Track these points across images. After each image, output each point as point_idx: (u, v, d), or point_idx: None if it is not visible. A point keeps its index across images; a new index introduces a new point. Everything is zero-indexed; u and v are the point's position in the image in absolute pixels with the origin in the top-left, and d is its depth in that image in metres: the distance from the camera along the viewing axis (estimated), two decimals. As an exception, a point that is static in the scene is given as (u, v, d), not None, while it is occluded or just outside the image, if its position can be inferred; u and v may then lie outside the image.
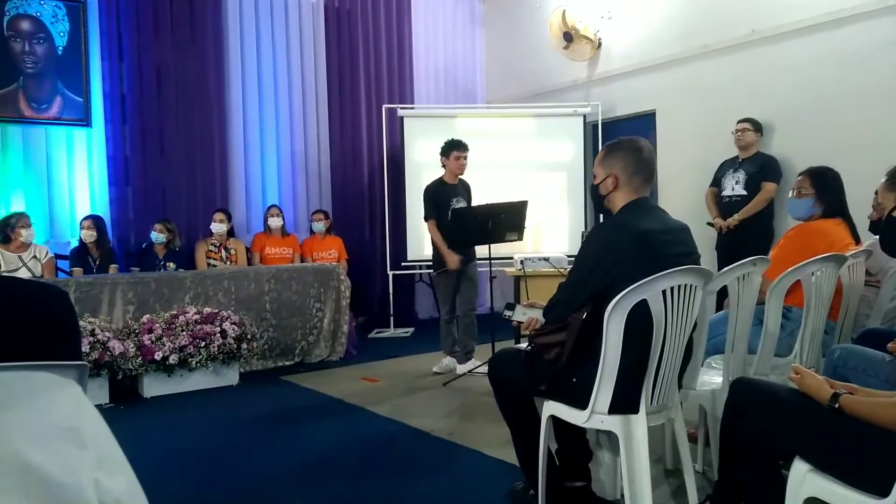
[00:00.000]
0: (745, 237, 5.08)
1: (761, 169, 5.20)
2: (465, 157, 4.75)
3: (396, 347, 5.92)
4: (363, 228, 7.24)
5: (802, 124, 5.26)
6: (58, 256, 5.33)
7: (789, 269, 2.57)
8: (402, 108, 7.00)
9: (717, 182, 5.48)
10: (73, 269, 5.19)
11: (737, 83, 5.70)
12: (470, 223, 4.43)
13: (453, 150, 4.75)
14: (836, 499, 1.59)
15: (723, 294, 2.63)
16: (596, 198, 2.36)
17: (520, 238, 4.53)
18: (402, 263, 6.83)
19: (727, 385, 2.25)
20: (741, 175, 5.28)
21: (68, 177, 5.90)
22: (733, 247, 5.02)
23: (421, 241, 6.68)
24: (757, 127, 5.31)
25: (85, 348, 3.98)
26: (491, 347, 4.56)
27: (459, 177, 4.86)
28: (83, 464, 0.59)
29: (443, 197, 4.75)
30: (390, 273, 6.84)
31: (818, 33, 5.17)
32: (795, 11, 5.28)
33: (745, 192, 5.22)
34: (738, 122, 5.36)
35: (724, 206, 5.32)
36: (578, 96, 7.00)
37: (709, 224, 5.30)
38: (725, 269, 2.53)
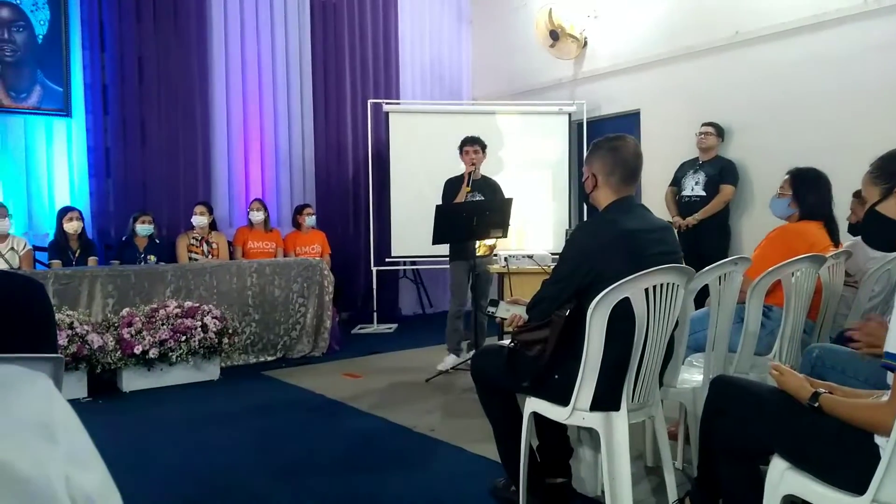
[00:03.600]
0: (704, 236, 5.27)
1: (720, 172, 5.41)
2: (476, 151, 4.75)
3: (380, 343, 5.90)
4: (347, 223, 7.22)
5: (783, 125, 5.32)
6: (36, 248, 5.25)
7: (770, 269, 2.60)
8: (387, 103, 6.97)
9: (676, 182, 5.64)
10: (52, 261, 5.12)
11: (720, 84, 5.74)
12: (455, 220, 4.42)
13: (464, 145, 4.82)
14: (814, 496, 1.61)
15: (703, 292, 2.65)
16: (585, 196, 2.38)
17: (504, 235, 4.52)
18: (387, 259, 6.81)
19: (707, 383, 2.26)
20: (701, 176, 5.47)
21: (47, 168, 5.81)
22: (692, 246, 5.13)
23: (405, 236, 6.67)
24: (719, 131, 5.54)
25: (63, 341, 3.93)
26: (475, 345, 4.57)
27: (484, 175, 4.85)
28: (53, 459, 0.57)
29: (456, 191, 4.74)
30: (374, 268, 6.82)
31: (800, 36, 5.22)
32: (778, 14, 5.32)
33: (703, 193, 5.42)
34: (702, 125, 5.55)
35: (684, 206, 5.52)
36: (564, 95, 7.02)
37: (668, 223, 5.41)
38: (707, 268, 2.55)
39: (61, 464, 0.58)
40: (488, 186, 4.82)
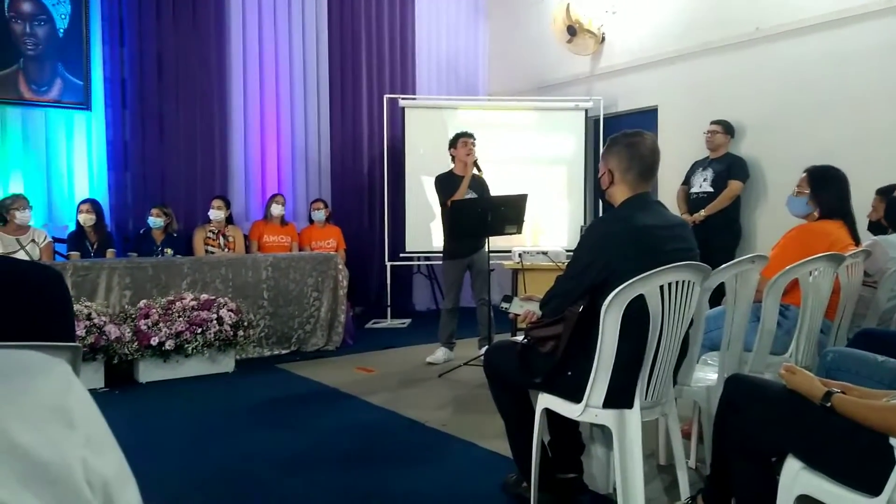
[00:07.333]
0: (711, 233, 5.19)
1: (728, 168, 5.40)
2: (473, 143, 4.76)
3: (393, 338, 5.92)
4: (362, 218, 7.23)
5: (802, 123, 5.26)
6: (55, 240, 5.32)
7: (787, 268, 2.57)
8: (403, 98, 6.97)
9: (687, 180, 5.66)
10: (70, 252, 5.18)
11: (739, 80, 5.68)
12: (469, 215, 4.43)
13: (461, 137, 4.81)
14: (828, 497, 1.59)
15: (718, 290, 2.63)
16: (601, 192, 2.37)
17: (519, 231, 4.52)
18: (401, 254, 6.82)
19: (722, 382, 2.25)
20: (709, 173, 5.47)
21: (67, 160, 5.88)
22: (699, 242, 5.10)
23: (420, 232, 6.68)
24: (727, 129, 5.50)
25: (81, 332, 3.98)
26: (488, 340, 4.58)
27: (474, 172, 4.77)
28: (70, 443, 0.58)
29: (454, 186, 4.71)
30: (388, 264, 6.83)
31: (821, 32, 5.16)
32: (799, 10, 5.26)
33: (711, 189, 5.41)
34: (711, 123, 5.52)
35: (693, 203, 5.52)
36: (581, 90, 6.98)
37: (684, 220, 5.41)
38: (723, 266, 2.53)
39: (79, 448, 0.59)
40: (477, 183, 4.82)
